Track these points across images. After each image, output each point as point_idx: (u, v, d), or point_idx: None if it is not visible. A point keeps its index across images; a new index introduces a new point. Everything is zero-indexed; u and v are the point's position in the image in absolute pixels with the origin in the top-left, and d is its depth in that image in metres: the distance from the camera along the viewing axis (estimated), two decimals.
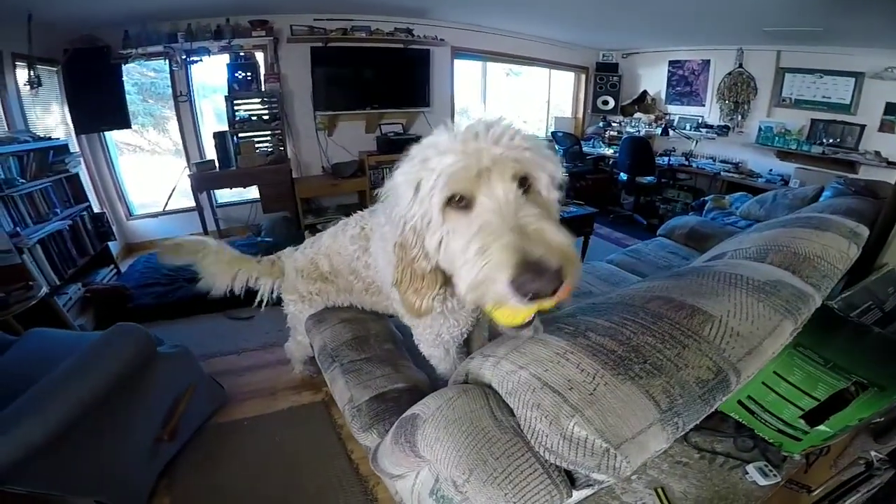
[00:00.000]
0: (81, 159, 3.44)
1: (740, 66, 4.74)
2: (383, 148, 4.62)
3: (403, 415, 0.85)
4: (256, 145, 4.12)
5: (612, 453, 0.57)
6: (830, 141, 4.30)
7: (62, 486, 1.26)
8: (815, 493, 1.27)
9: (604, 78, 5.72)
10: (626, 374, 0.64)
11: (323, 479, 1.65)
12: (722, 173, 4.80)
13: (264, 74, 4.06)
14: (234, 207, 4.43)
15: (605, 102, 5.74)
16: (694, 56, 5.10)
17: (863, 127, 4.13)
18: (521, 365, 0.71)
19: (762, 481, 1.22)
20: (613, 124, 5.79)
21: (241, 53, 3.90)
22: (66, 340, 1.85)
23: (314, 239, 1.57)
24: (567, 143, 5.29)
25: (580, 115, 6.09)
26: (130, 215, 4.18)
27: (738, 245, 1.59)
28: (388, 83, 4.48)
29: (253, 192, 4.26)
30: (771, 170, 4.66)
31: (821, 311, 1.13)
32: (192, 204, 3.98)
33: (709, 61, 4.98)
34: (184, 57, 3.70)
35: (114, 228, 3.68)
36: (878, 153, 4.01)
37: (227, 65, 3.86)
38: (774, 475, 1.24)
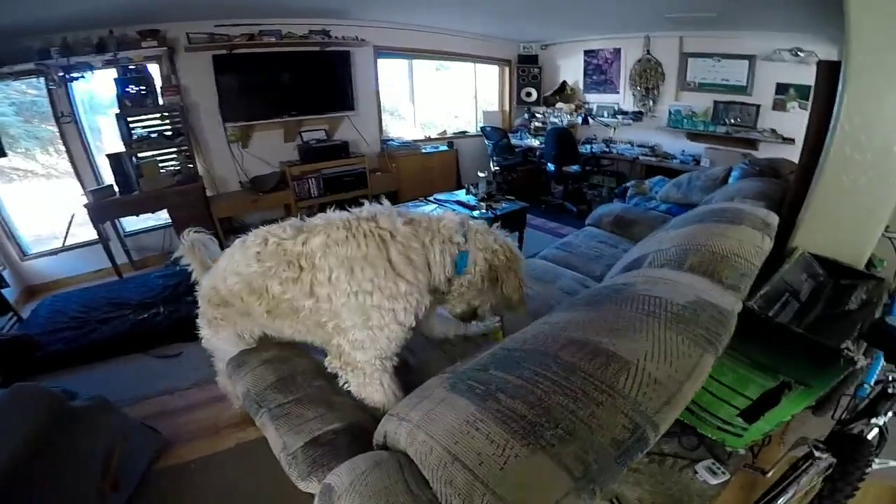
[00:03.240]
0: None
1: (648, 52, 4.98)
2: (306, 157, 4.38)
3: (326, 480, 0.79)
4: (160, 165, 3.74)
5: None
6: (732, 121, 4.64)
7: None
8: (770, 474, 1.34)
9: (526, 70, 5.79)
10: (537, 443, 0.61)
11: None
12: (640, 157, 5.05)
13: (161, 87, 3.67)
14: (145, 235, 4.01)
15: (529, 94, 5.83)
16: (606, 45, 5.28)
17: (758, 106, 4.48)
18: (434, 436, 0.68)
19: (712, 480, 1.27)
20: (538, 115, 5.90)
21: (131, 66, 3.49)
22: None
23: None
24: (496, 136, 5.32)
25: (507, 107, 6.15)
26: (24, 255, 3.64)
27: (659, 245, 1.64)
28: (305, 88, 4.23)
29: (165, 216, 3.88)
30: (683, 151, 4.96)
31: (742, 312, 1.18)
32: (96, 235, 3.54)
33: (620, 49, 5.19)
34: (61, 74, 3.25)
35: (5, 272, 3.20)
36: (773, 130, 4.39)
37: (115, 79, 3.45)
38: (723, 472, 1.29)
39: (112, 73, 3.48)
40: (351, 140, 4.67)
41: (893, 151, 1.48)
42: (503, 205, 3.66)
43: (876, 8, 1.39)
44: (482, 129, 5.57)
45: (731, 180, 3.19)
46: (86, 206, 3.36)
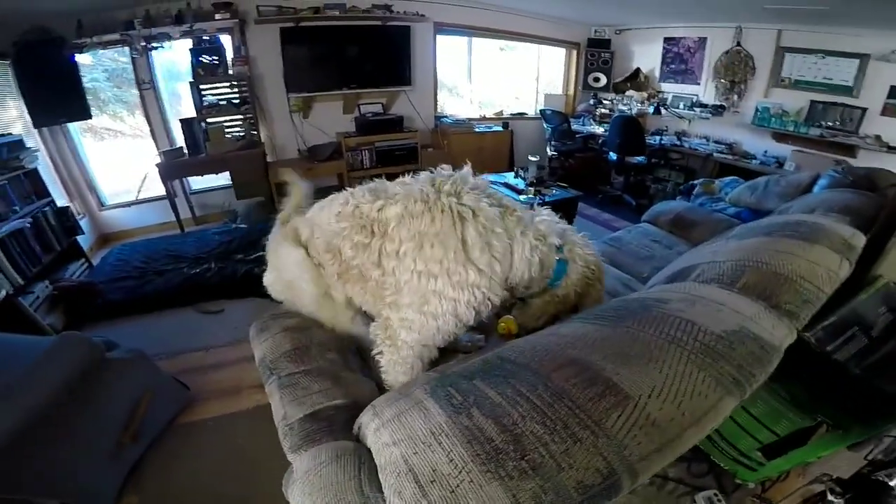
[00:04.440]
0: (41, 153, 3.28)
1: (738, 44, 4.51)
2: (362, 129, 4.44)
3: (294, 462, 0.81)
4: (226, 130, 3.95)
5: None
6: (829, 124, 4.12)
7: (21, 490, 1.32)
8: None
9: (595, 54, 5.45)
10: (497, 471, 0.55)
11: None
12: (715, 154, 4.63)
13: (232, 58, 3.84)
14: (209, 194, 4.28)
15: (597, 79, 5.50)
16: (690, 33, 4.85)
17: (864, 110, 3.94)
18: (396, 440, 0.65)
19: None
20: (605, 102, 5.56)
21: (205, 37, 3.67)
22: (20, 346, 1.77)
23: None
24: (556, 120, 5.08)
25: (571, 91, 5.85)
26: (102, 206, 4.03)
27: (713, 256, 1.47)
28: (365, 62, 4.27)
29: (227, 178, 4.11)
30: (766, 151, 4.49)
31: (796, 343, 1.04)
32: (164, 192, 3.82)
33: (705, 39, 4.74)
34: (143, 44, 3.47)
35: (84, 221, 3.56)
36: (878, 137, 3.84)
37: (191, 49, 3.64)
38: None
39: (188, 43, 3.67)
40: (406, 115, 4.68)
41: None
42: (553, 191, 3.50)
43: None
44: (542, 111, 5.34)
45: (816, 188, 2.82)
46: (157, 165, 3.62)
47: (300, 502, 0.67)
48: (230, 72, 3.83)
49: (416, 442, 0.62)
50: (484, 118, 5.41)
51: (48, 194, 3.15)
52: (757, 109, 4.54)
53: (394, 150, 4.53)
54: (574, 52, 5.62)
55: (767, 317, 1.00)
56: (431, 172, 1.20)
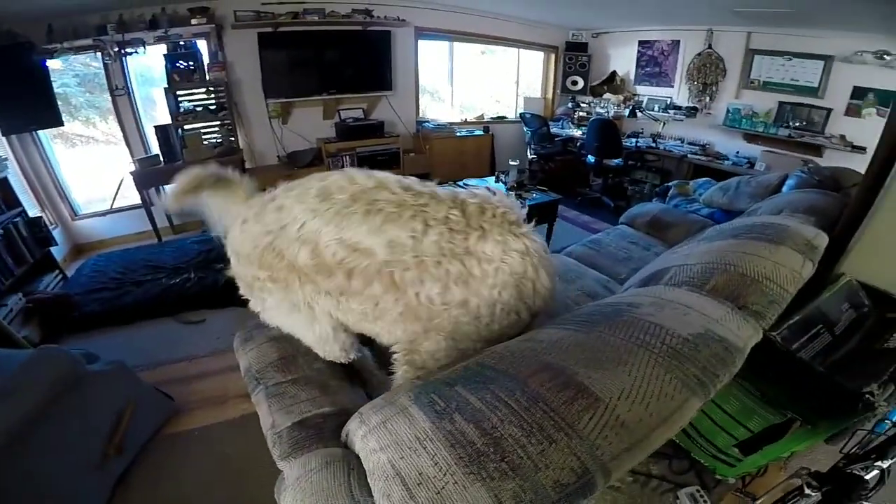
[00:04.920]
0: (10, 163, 3.19)
1: (710, 46, 4.64)
2: (342, 135, 4.44)
3: (285, 469, 0.83)
4: (204, 137, 3.90)
5: None
6: (797, 124, 4.27)
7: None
8: (760, 500, 1.26)
9: (573, 58, 5.55)
10: (479, 473, 0.59)
11: (273, 488, 1.62)
12: (689, 155, 4.76)
13: (208, 63, 3.79)
14: None
15: (575, 83, 5.59)
16: (664, 36, 4.98)
17: (829, 111, 4.10)
18: (383, 445, 0.67)
19: None
20: (582, 105, 5.66)
21: (181, 42, 3.62)
22: None
23: None
24: (535, 124, 5.16)
25: (550, 95, 5.94)
26: (76, 215, 3.93)
27: (685, 259, 1.52)
28: (346, 67, 4.28)
29: None
30: (738, 152, 4.64)
31: (763, 342, 1.09)
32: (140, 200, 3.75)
33: (679, 42, 4.87)
34: (116, 49, 3.41)
35: (56, 231, 3.47)
36: (843, 137, 4.00)
37: (165, 55, 3.59)
38: (705, 501, 1.23)
39: (163, 48, 3.62)
40: (387, 120, 4.69)
41: None
42: (534, 195, 3.55)
43: None
44: (521, 115, 5.40)
45: (784, 188, 2.94)
46: (132, 173, 3.55)
47: None
48: (207, 77, 3.79)
49: (402, 447, 0.64)
50: (465, 122, 5.46)
51: (19, 204, 3.07)
52: (728, 111, 4.69)
53: (376, 155, 4.53)
54: (552, 56, 5.71)
55: (734, 318, 1.05)
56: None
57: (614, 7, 4.45)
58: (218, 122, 3.95)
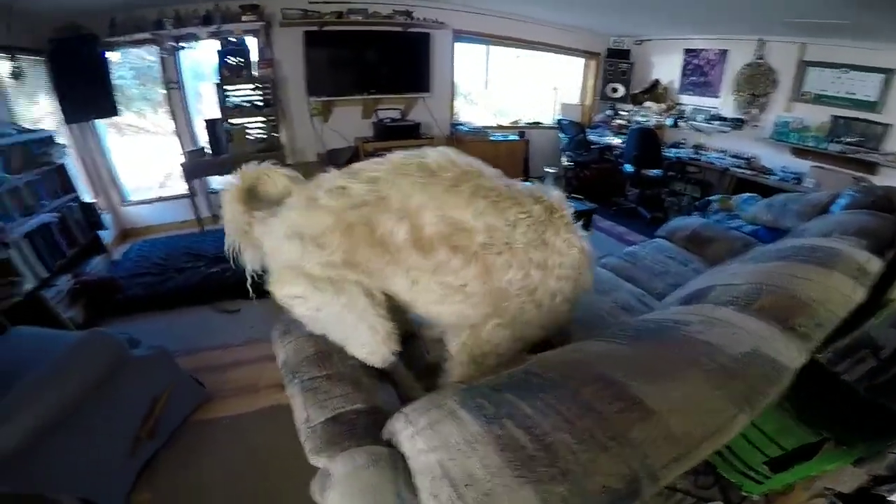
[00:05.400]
0: (70, 149, 3.39)
1: (760, 57, 4.48)
2: (380, 134, 4.50)
3: (328, 464, 0.84)
4: (248, 132, 4.03)
5: None
6: (851, 140, 4.06)
7: (42, 485, 1.35)
8: None
9: (614, 65, 5.46)
10: (528, 476, 0.60)
11: (299, 479, 1.64)
12: (732, 168, 4.60)
13: (256, 60, 3.92)
14: None
15: (615, 90, 5.49)
16: (711, 45, 4.83)
17: (888, 126, 3.89)
18: (432, 447, 0.69)
19: None
20: (622, 113, 5.54)
21: (232, 39, 3.76)
22: (47, 340, 1.87)
23: None
24: (573, 130, 5.09)
25: (588, 101, 5.85)
26: (124, 201, 4.13)
27: (731, 279, 1.49)
28: (385, 68, 4.34)
29: None
30: (784, 167, 4.45)
31: (808, 363, 1.06)
32: (186, 190, 3.92)
33: (726, 51, 4.71)
34: (172, 44, 3.58)
35: (107, 216, 3.66)
36: None
37: (217, 51, 3.74)
38: None
39: (214, 44, 3.77)
40: (423, 122, 4.73)
41: None
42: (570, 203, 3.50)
43: None
44: (558, 121, 5.35)
45: (834, 208, 2.80)
46: (182, 164, 3.71)
47: None
48: (254, 74, 3.92)
49: (451, 449, 0.66)
50: (500, 127, 5.43)
51: (74, 190, 3.24)
52: (776, 124, 4.51)
53: None
54: (592, 62, 5.63)
55: (781, 339, 1.03)
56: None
57: (658, 14, 4.33)
58: (263, 118, 4.07)
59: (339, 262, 1.05)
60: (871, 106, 3.97)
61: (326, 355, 1.35)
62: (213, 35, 3.70)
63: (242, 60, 3.86)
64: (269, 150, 4.04)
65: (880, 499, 1.06)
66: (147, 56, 3.95)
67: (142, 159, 4.26)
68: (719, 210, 3.49)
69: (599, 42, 5.48)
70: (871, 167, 3.93)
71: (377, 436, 1.05)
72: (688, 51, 5.03)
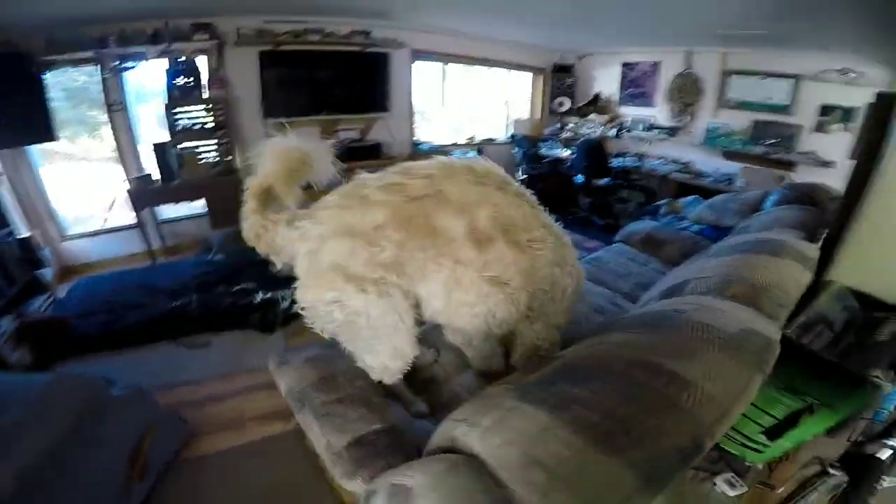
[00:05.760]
0: (2, 178, 3.11)
1: (688, 68, 4.92)
2: (340, 156, 4.38)
3: (393, 481, 0.82)
4: (201, 156, 3.86)
5: None
6: (771, 141, 4.54)
7: None
8: (780, 491, 1.37)
9: (560, 79, 5.78)
10: (610, 448, 0.68)
11: None
12: (672, 174, 4.99)
13: (208, 80, 3.80)
14: (180, 223, 4.14)
15: (561, 104, 5.81)
16: (645, 57, 5.23)
17: (800, 127, 4.38)
18: (510, 440, 0.74)
19: (730, 492, 1.30)
20: (569, 126, 5.86)
21: (181, 58, 3.62)
22: (10, 386, 1.69)
23: None
24: (526, 145, 5.32)
25: (538, 116, 6.14)
26: (64, 235, 3.81)
27: (700, 273, 1.65)
28: (344, 88, 4.34)
29: (202, 206, 4.01)
30: (717, 169, 4.88)
31: (781, 338, 1.21)
32: (133, 220, 3.69)
33: (659, 63, 5.13)
34: (116, 63, 3.39)
35: (46, 251, 3.37)
36: (813, 153, 4.28)
37: (166, 71, 3.58)
38: (741, 485, 1.32)
39: (162, 63, 3.61)
40: (383, 141, 4.74)
41: None
42: None
43: None
44: (512, 136, 5.57)
45: (766, 204, 3.14)
46: (128, 191, 3.50)
47: None
48: (206, 95, 3.79)
49: (530, 438, 0.72)
50: (457, 144, 5.55)
51: (8, 223, 2.99)
52: (707, 129, 4.95)
53: None
54: (541, 78, 5.93)
55: (759, 318, 1.17)
56: None
57: (594, 29, 4.62)
58: (215, 141, 3.92)
59: (388, 260, 1.07)
60: (784, 109, 4.45)
61: (331, 378, 1.35)
62: (162, 54, 3.54)
63: (192, 81, 3.73)
64: (225, 174, 3.91)
65: (871, 458, 1.23)
66: (80, 76, 3.70)
67: (80, 188, 3.95)
68: (668, 213, 3.79)
69: (546, 57, 5.77)
70: (791, 165, 4.41)
71: (407, 451, 1.07)
72: (625, 64, 5.42)
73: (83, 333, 2.68)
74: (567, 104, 5.78)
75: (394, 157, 4.70)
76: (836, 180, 3.90)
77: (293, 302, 3.00)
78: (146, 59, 3.56)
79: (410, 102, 4.98)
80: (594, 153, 4.78)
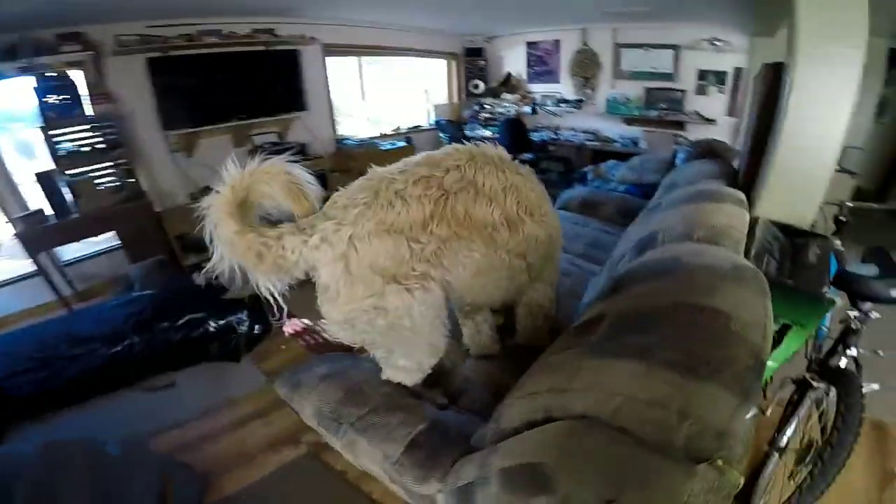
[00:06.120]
0: None
1: (585, 44, 5.30)
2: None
3: (503, 465, 0.80)
4: (98, 181, 3.36)
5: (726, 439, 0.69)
6: (663, 106, 5.09)
7: None
8: (768, 413, 1.58)
9: (473, 62, 5.90)
10: (702, 376, 0.75)
11: None
12: (585, 143, 5.39)
13: (89, 96, 3.29)
14: (88, 262, 3.58)
15: (476, 86, 5.94)
16: (546, 37, 5.53)
17: (684, 91, 4.96)
18: (613, 391, 0.78)
19: (747, 417, 1.50)
20: (486, 107, 6.02)
21: (51, 74, 3.09)
22: None
23: None
24: (451, 129, 5.38)
25: (456, 100, 6.21)
26: None
27: (662, 224, 1.82)
28: (253, 90, 4.01)
29: (111, 238, 3.51)
30: (622, 135, 5.37)
31: None
32: (30, 267, 3.10)
33: (559, 41, 5.46)
34: None
35: None
36: (697, 113, 4.89)
37: (35, 89, 3.03)
38: (754, 408, 1.53)
39: (29, 81, 3.05)
40: (304, 141, 4.48)
41: (827, 140, 1.80)
42: None
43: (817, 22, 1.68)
44: (437, 122, 5.59)
45: (678, 161, 3.54)
46: (17, 235, 2.94)
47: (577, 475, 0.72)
48: (90, 112, 3.29)
49: (631, 385, 0.77)
50: (384, 136, 5.44)
51: None
52: (607, 100, 5.40)
53: None
54: (454, 62, 6.00)
55: (736, 254, 1.33)
56: None
57: (494, 11, 4.70)
58: (112, 163, 3.43)
59: (430, 254, 1.06)
60: (670, 77, 5.01)
61: (357, 391, 1.30)
62: (24, 71, 2.99)
63: (69, 98, 3.20)
64: (133, 198, 3.45)
65: (842, 367, 1.44)
66: None
67: None
68: (595, 178, 4.11)
69: (456, 42, 5.84)
70: (682, 125, 4.99)
71: (458, 442, 1.07)
72: (529, 43, 5.69)
73: (18, 396, 2.24)
74: (482, 86, 5.92)
75: (321, 157, 4.49)
76: (719, 134, 4.54)
77: (253, 324, 2.77)
78: (3, 78, 2.98)
79: (329, 99, 4.75)
80: (516, 130, 4.99)
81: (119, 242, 3.44)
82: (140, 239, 3.45)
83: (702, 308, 0.89)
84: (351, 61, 5.14)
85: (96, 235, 3.39)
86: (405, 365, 1.23)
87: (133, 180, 3.54)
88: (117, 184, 3.46)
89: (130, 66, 3.41)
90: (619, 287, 1.22)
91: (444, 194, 1.08)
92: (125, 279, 3.41)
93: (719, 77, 4.76)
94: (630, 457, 0.69)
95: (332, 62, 4.72)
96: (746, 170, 2.48)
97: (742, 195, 1.94)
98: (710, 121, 4.83)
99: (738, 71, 4.58)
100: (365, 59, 5.22)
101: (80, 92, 3.25)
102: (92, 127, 3.31)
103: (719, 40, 4.58)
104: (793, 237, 1.95)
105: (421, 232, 1.04)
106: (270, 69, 4.06)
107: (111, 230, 3.39)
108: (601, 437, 0.72)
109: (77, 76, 3.27)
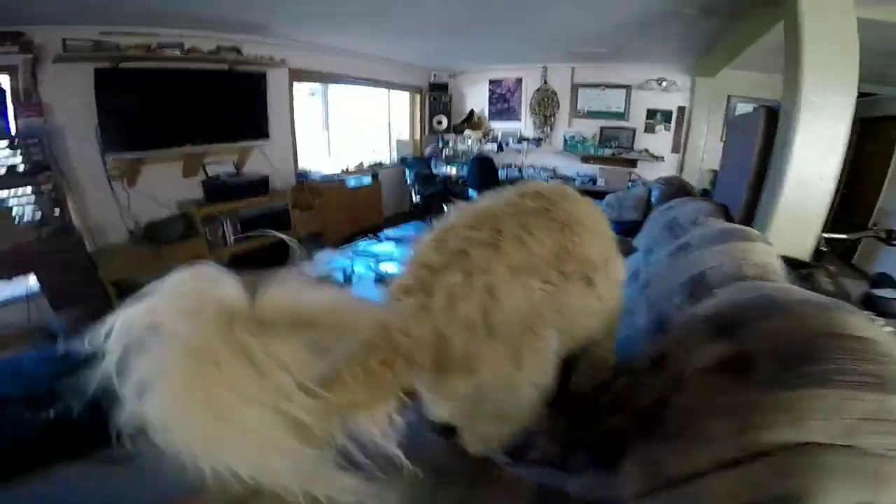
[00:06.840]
0: None
1: (545, 82, 5.55)
2: (214, 195, 3.66)
3: None
4: (13, 212, 2.75)
5: None
6: (615, 144, 5.43)
7: None
8: None
9: (437, 98, 5.90)
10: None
11: None
12: (548, 180, 5.55)
13: (14, 106, 2.74)
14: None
15: (440, 122, 5.94)
16: (509, 74, 5.73)
17: (634, 130, 5.35)
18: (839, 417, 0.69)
19: None
20: (449, 143, 6.03)
21: None
22: None
23: None
24: (417, 166, 5.27)
25: (418, 136, 6.15)
26: None
27: (703, 264, 1.80)
28: (211, 113, 3.58)
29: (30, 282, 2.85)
30: (579, 172, 5.63)
31: None
32: None
33: (521, 79, 5.67)
34: None
35: None
36: (647, 150, 5.27)
37: None
38: None
39: None
40: (262, 173, 4.07)
41: (826, 176, 2.00)
42: None
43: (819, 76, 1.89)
44: (402, 159, 5.45)
45: (653, 199, 3.71)
46: None
47: None
48: (12, 125, 2.72)
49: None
50: (347, 171, 5.14)
51: None
52: (565, 138, 5.67)
53: (262, 215, 3.91)
54: (418, 96, 5.96)
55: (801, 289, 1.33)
56: None
57: (460, 47, 4.71)
58: (33, 189, 2.83)
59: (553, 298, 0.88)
60: (622, 115, 5.39)
61: None
62: None
63: None
64: (60, 233, 2.86)
65: None
66: None
67: None
68: None
69: (422, 76, 5.83)
70: (634, 162, 5.34)
71: None
72: (492, 81, 5.84)
73: None
74: (445, 122, 5.93)
75: (284, 191, 4.13)
76: (667, 170, 4.92)
77: None
78: None
79: (293, 128, 4.41)
80: (485, 167, 4.98)
81: (40, 287, 2.80)
82: (67, 283, 2.84)
83: (846, 336, 0.82)
84: (315, 88, 4.88)
85: (10, 278, 2.74)
86: (497, 430, 1.01)
87: (61, 211, 2.95)
88: (38, 214, 2.86)
89: (74, 75, 2.89)
90: (727, 327, 1.15)
91: (561, 227, 0.94)
92: (45, 330, 2.78)
93: (666, 115, 5.20)
94: None
95: (298, 89, 4.44)
96: (746, 208, 2.64)
97: (765, 236, 2.03)
98: (658, 158, 5.21)
99: (681, 110, 5.04)
100: (332, 87, 4.99)
101: (5, 101, 2.70)
102: (12, 143, 2.73)
103: (665, 80, 5.03)
104: (796, 268, 2.07)
105: (548, 270, 0.87)
106: (233, 91, 3.68)
107: (30, 272, 2.76)
108: None
109: (3, 81, 2.72)
